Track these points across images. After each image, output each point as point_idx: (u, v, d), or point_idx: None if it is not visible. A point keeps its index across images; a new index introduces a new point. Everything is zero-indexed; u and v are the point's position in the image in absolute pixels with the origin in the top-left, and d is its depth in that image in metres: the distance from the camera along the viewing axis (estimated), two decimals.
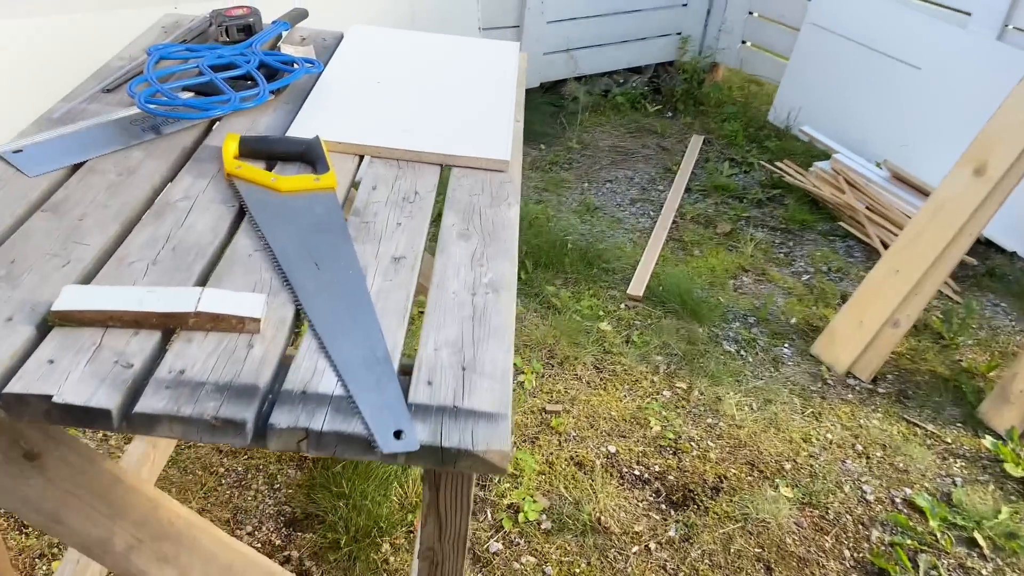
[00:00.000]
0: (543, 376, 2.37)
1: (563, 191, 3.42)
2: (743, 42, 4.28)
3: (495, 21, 3.60)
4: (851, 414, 2.37)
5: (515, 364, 2.38)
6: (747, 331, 2.67)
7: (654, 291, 2.79)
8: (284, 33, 1.80)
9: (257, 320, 0.95)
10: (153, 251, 1.08)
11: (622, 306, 2.72)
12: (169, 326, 0.95)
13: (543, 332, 2.54)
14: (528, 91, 3.93)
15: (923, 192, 3.24)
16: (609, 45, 4.08)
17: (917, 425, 2.36)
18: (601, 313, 2.67)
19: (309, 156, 1.30)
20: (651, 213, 3.32)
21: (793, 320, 2.75)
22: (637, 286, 2.79)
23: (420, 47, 1.76)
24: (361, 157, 1.37)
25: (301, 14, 1.88)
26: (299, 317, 1.00)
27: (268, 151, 1.31)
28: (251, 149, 1.30)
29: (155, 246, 1.09)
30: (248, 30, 1.70)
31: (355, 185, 1.31)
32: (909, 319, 2.46)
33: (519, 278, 2.78)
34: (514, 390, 2.30)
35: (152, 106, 1.30)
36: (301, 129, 1.37)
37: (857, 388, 2.48)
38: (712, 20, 4.33)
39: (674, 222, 3.25)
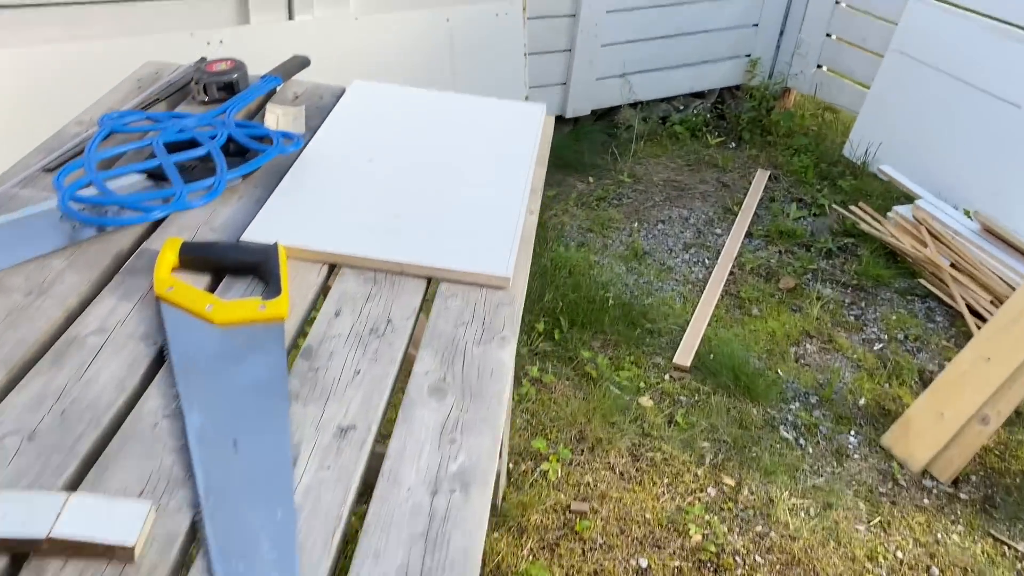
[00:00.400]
0: (571, 464, 2.11)
1: (609, 232, 3.14)
2: (819, 66, 3.92)
3: (544, 45, 3.33)
4: (927, 526, 2.05)
5: (539, 449, 2.12)
6: (808, 414, 2.35)
7: (704, 360, 2.49)
8: (278, 88, 1.57)
9: (130, 549, 0.71)
10: (36, 416, 0.85)
11: (667, 377, 2.43)
12: (18, 551, 0.72)
13: (575, 408, 2.27)
14: (578, 119, 3.65)
15: (1019, 251, 2.86)
16: (669, 69, 3.77)
17: (1005, 544, 2.02)
18: (642, 385, 2.38)
19: (263, 271, 1.07)
20: (706, 261, 3.01)
21: (862, 401, 2.42)
22: (685, 354, 2.49)
23: (427, 109, 1.51)
24: (332, 266, 1.12)
25: (299, 63, 1.65)
26: (195, 530, 0.76)
27: (215, 262, 1.08)
28: (193, 259, 1.07)
29: (41, 408, 0.86)
30: (230, 88, 1.48)
31: (314, 310, 1.06)
32: (1000, 416, 2.11)
33: (552, 338, 2.51)
34: (536, 482, 2.04)
35: (77, 207, 1.08)
36: (262, 229, 1.14)
37: (934, 492, 2.14)
38: (785, 42, 3.98)
39: (731, 273, 2.94)
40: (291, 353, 0.98)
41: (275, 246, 1.08)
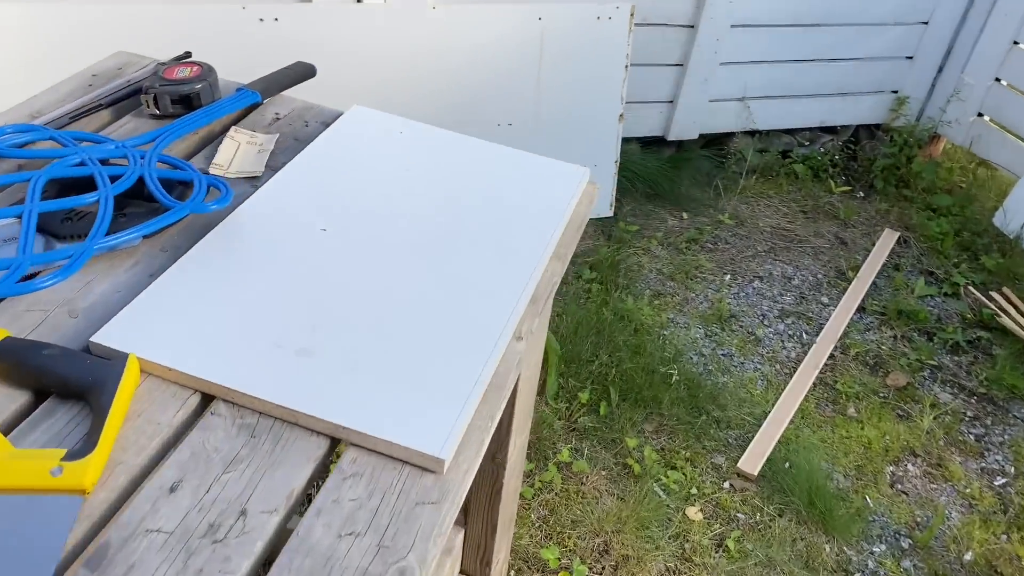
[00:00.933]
0: None
1: (694, 283, 2.71)
2: (979, 115, 3.32)
3: (651, 57, 2.91)
4: None
5: (548, 562, 1.76)
6: (895, 562, 1.89)
7: (776, 468, 2.06)
8: (260, 104, 1.26)
9: None
10: None
11: (726, 485, 2.01)
12: None
13: (604, 510, 1.89)
14: (682, 142, 3.21)
15: None
16: (798, 97, 3.26)
17: None
18: (694, 491, 1.98)
19: (94, 399, 0.75)
20: (803, 336, 2.55)
21: (968, 556, 1.94)
22: (753, 459, 2.06)
23: (433, 158, 1.16)
24: (206, 397, 0.80)
25: (299, 73, 1.32)
26: None
27: (35, 375, 0.77)
28: (7, 367, 0.76)
29: None
30: (187, 103, 1.17)
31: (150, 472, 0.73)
32: None
33: (596, 412, 2.13)
34: None
35: None
36: (124, 328, 0.82)
37: None
38: (943, 81, 3.39)
39: (831, 357, 2.47)
40: (81, 552, 0.66)
41: (122, 363, 0.76)
